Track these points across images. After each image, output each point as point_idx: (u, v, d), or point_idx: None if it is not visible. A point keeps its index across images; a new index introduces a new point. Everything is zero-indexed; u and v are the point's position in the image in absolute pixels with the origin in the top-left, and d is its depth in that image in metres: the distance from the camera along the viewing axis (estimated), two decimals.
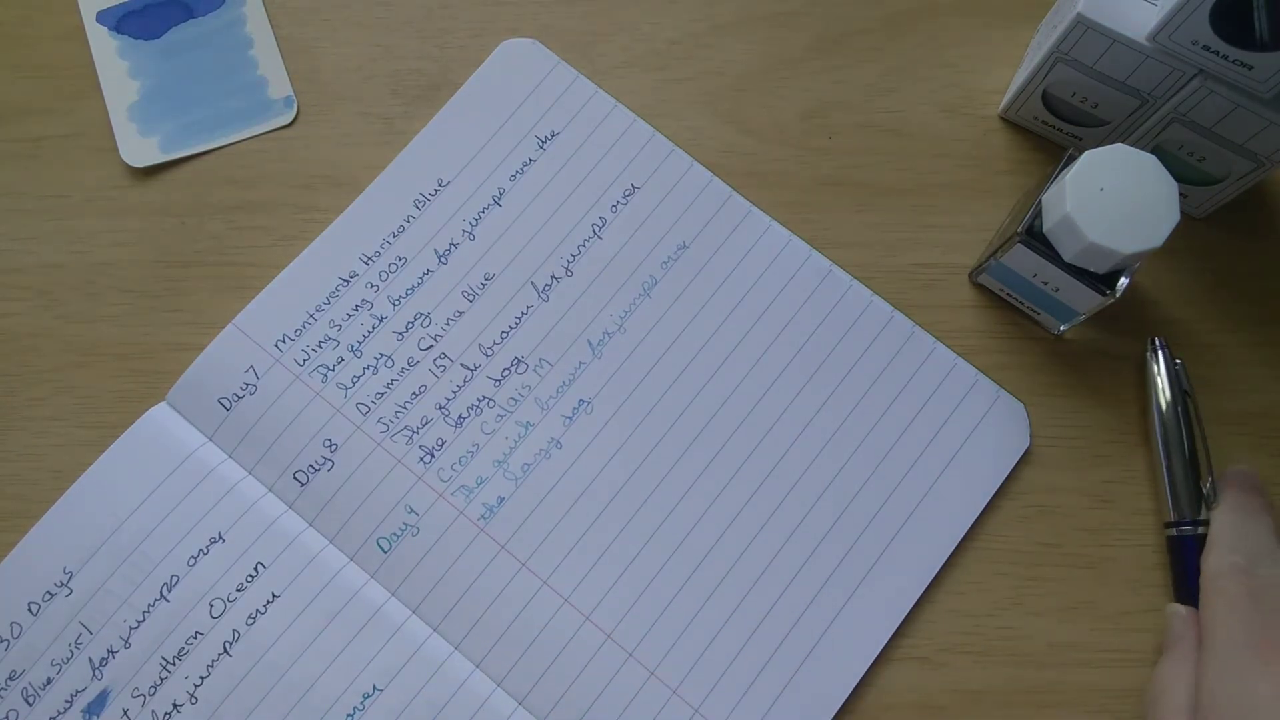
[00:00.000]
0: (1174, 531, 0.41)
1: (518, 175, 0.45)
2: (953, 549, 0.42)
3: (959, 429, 0.43)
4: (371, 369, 0.43)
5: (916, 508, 0.42)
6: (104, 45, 0.47)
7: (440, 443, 0.42)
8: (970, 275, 0.45)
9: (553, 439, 0.43)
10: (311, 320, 0.43)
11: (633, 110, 0.47)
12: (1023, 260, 0.40)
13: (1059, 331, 0.44)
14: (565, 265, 0.44)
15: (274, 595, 0.41)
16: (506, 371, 0.43)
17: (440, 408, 0.43)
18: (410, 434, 0.42)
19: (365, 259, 0.44)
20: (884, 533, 0.42)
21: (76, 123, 0.46)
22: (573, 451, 0.43)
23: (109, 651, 0.40)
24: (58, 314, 0.44)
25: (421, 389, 0.43)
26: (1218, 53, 0.38)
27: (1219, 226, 0.46)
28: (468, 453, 0.42)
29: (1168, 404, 0.42)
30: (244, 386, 0.43)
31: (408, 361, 0.43)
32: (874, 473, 0.42)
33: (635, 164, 0.46)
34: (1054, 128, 0.46)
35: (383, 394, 0.43)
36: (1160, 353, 0.43)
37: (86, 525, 0.41)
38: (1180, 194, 0.37)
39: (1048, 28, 0.44)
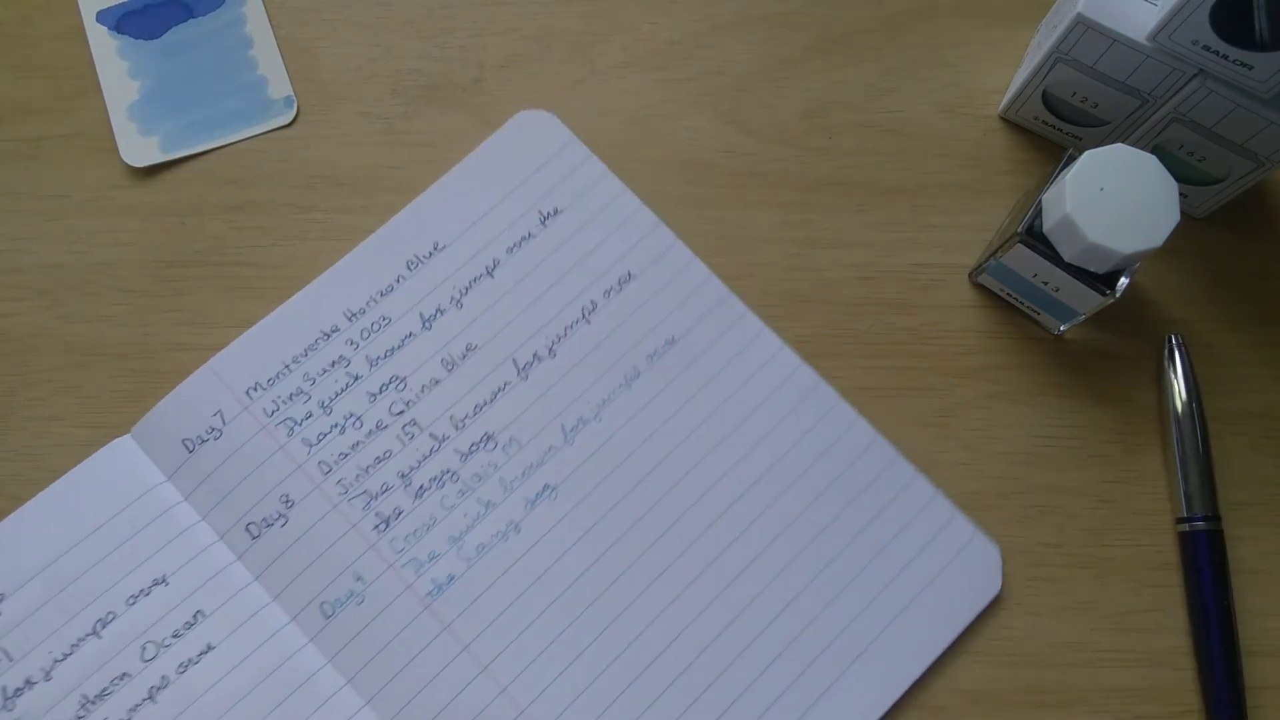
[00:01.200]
0: (1186, 527, 0.41)
1: (515, 248, 0.44)
2: (905, 690, 0.40)
3: (929, 566, 0.41)
4: (339, 428, 0.42)
5: (875, 641, 0.40)
6: (104, 45, 0.47)
7: (397, 512, 0.41)
8: (970, 275, 0.45)
9: (512, 522, 0.41)
10: (286, 371, 0.43)
11: (636, 110, 0.47)
12: (1023, 260, 0.41)
13: (1059, 331, 0.44)
14: (549, 346, 0.43)
15: (210, 646, 0.39)
16: (475, 447, 0.42)
17: (402, 476, 0.42)
18: (368, 499, 0.41)
19: (349, 315, 0.43)
20: (839, 661, 0.40)
21: (76, 123, 0.46)
22: (530, 537, 0.41)
23: (26, 682, 0.39)
24: (58, 314, 0.44)
25: (386, 454, 0.42)
26: (1218, 53, 0.38)
27: (1219, 226, 0.46)
28: (424, 525, 0.41)
29: (1184, 400, 0.42)
30: (209, 430, 0.42)
31: (376, 424, 0.42)
32: (836, 598, 0.41)
33: (635, 252, 0.44)
34: (1054, 128, 0.46)
35: (346, 455, 0.42)
36: (1177, 350, 0.43)
37: (29, 548, 0.40)
38: (1180, 194, 0.37)
39: (1048, 28, 0.44)
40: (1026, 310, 0.44)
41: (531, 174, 0.45)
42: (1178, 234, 0.37)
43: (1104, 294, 0.39)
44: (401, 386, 0.43)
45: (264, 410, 0.42)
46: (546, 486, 0.42)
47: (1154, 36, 0.39)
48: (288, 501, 0.41)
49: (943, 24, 0.48)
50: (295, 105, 0.47)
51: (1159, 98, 0.41)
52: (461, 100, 0.47)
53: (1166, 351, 0.43)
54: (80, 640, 0.39)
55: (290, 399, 0.42)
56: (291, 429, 0.42)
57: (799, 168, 0.46)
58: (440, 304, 0.44)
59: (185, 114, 0.46)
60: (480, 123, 0.47)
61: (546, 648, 0.40)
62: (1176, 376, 0.43)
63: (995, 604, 0.42)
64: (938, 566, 0.41)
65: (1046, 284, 0.41)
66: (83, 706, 0.39)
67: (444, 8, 0.48)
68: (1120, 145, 0.38)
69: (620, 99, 0.47)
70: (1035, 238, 0.39)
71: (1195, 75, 0.39)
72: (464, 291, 0.44)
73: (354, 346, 0.43)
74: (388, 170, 0.46)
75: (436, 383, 0.43)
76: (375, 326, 0.43)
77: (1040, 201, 0.39)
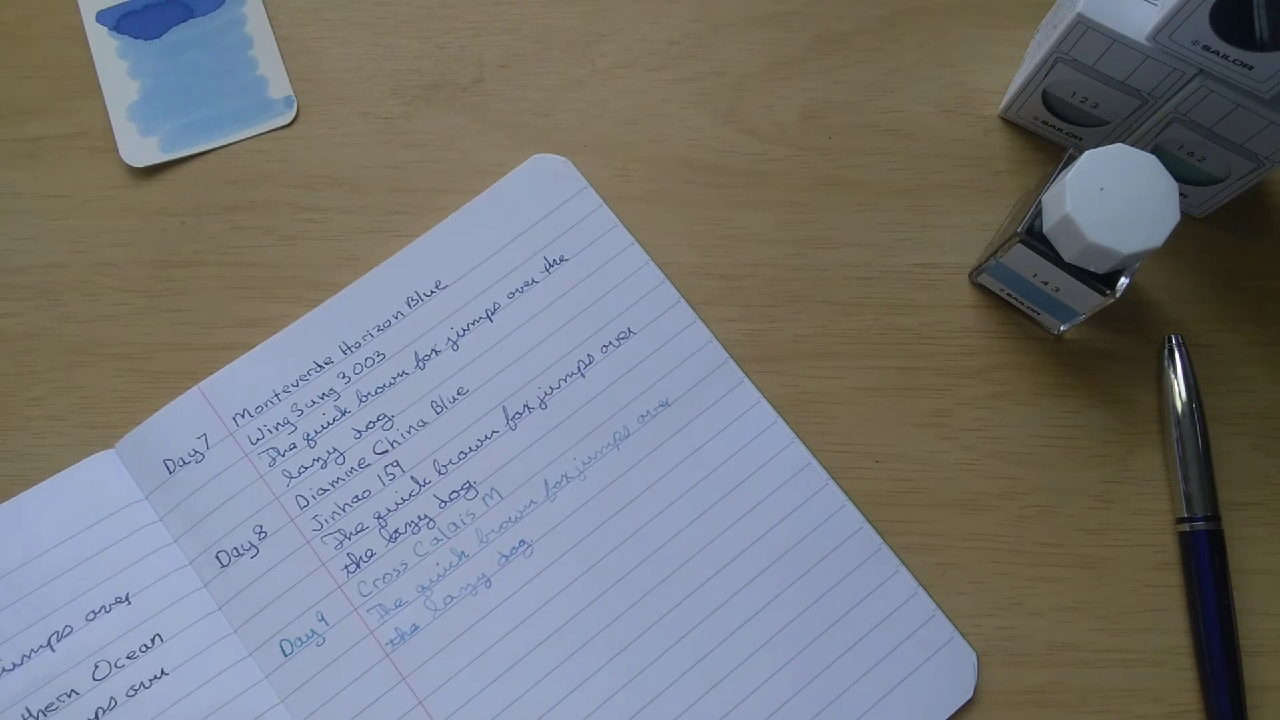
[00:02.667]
0: (1186, 527, 0.41)
1: (517, 294, 0.44)
2: None
3: (904, 662, 0.40)
4: (321, 462, 0.42)
5: None
6: (104, 45, 0.47)
7: (369, 554, 0.41)
8: (970, 275, 0.45)
9: (483, 575, 0.41)
10: (275, 400, 0.42)
11: (636, 110, 0.47)
12: (1023, 260, 0.40)
13: (1059, 331, 0.44)
14: (541, 397, 0.42)
15: (163, 671, 0.39)
16: (455, 494, 0.41)
17: (379, 518, 0.41)
18: (341, 538, 0.41)
19: (344, 348, 0.43)
20: None
21: (76, 123, 0.46)
22: (501, 593, 0.40)
23: None
24: (58, 314, 0.44)
25: (365, 494, 0.41)
26: (1218, 53, 0.37)
27: (1219, 226, 0.46)
28: (394, 571, 0.40)
29: (1184, 400, 0.42)
30: (192, 453, 0.41)
31: (359, 462, 0.42)
32: (807, 685, 0.40)
33: (637, 308, 0.44)
34: (1054, 128, 0.46)
35: (325, 491, 0.41)
36: (1178, 350, 0.43)
37: None
38: (1180, 194, 0.37)
39: (1048, 28, 0.44)
40: (1026, 310, 0.44)
41: (541, 219, 0.45)
42: (1178, 234, 0.37)
43: (1104, 294, 0.39)
44: (388, 425, 0.42)
45: (248, 438, 0.42)
46: (523, 542, 0.41)
47: (1154, 36, 0.39)
48: (261, 533, 0.41)
49: (943, 24, 0.48)
50: (295, 105, 0.47)
51: (1159, 98, 0.41)
52: (461, 100, 0.47)
53: (1166, 351, 0.43)
54: (33, 651, 0.39)
55: (276, 429, 0.42)
56: (273, 459, 0.42)
57: (799, 168, 0.46)
58: (436, 344, 0.43)
59: (185, 114, 0.46)
60: (480, 123, 0.47)
61: (503, 710, 0.39)
62: (1176, 376, 0.43)
63: (995, 603, 0.42)
64: (913, 664, 0.40)
65: (1046, 284, 0.41)
66: None
67: (444, 8, 0.48)
68: (1120, 145, 0.38)
69: (620, 99, 0.47)
70: (1035, 238, 0.39)
71: (1195, 75, 0.39)
72: (462, 333, 0.43)
73: (345, 380, 0.43)
74: (388, 170, 0.46)
75: (424, 424, 0.42)
76: (369, 362, 0.43)
77: (1040, 201, 0.39)
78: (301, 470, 0.42)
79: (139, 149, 0.46)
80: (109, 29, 0.47)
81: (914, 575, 0.41)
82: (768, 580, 0.41)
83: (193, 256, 0.45)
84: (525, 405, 0.43)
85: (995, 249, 0.42)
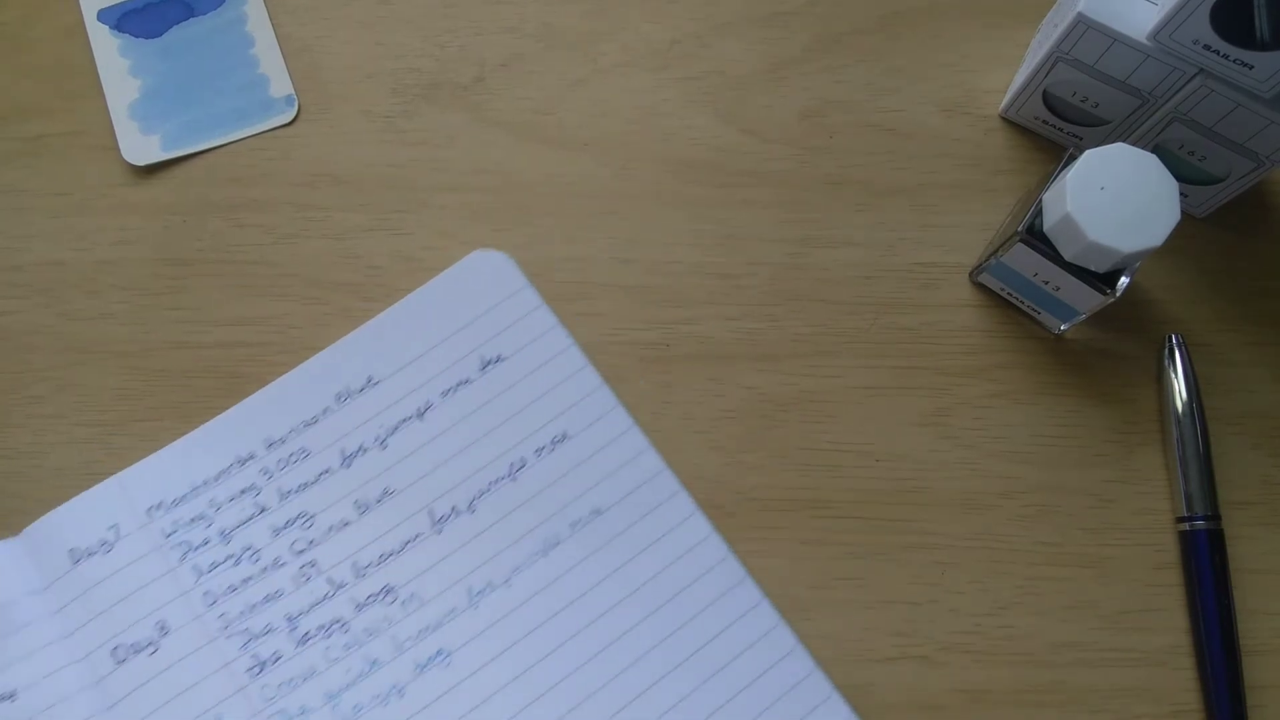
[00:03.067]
0: (1186, 527, 0.41)
1: (450, 392, 0.42)
2: None
3: None
4: (234, 559, 0.40)
5: None
6: (105, 44, 0.47)
7: (276, 657, 0.39)
8: (970, 275, 0.45)
9: (396, 686, 0.39)
10: (194, 494, 0.41)
11: (636, 110, 0.47)
12: (1023, 259, 0.41)
13: (1059, 331, 0.44)
14: (470, 500, 0.41)
15: None
16: (372, 598, 0.40)
17: (290, 619, 0.39)
18: (248, 639, 0.39)
19: (269, 443, 0.42)
20: None
21: (77, 121, 0.46)
22: (413, 704, 0.38)
23: None
24: (59, 312, 0.44)
25: (277, 594, 0.40)
26: (1218, 52, 0.38)
27: (1219, 226, 0.46)
28: (301, 676, 0.39)
29: (1184, 399, 0.42)
30: (100, 543, 0.40)
31: (274, 561, 0.40)
32: None
33: (573, 412, 0.42)
34: (1054, 127, 0.46)
35: (235, 589, 0.40)
36: (1178, 349, 0.43)
37: None
38: (1180, 193, 0.37)
39: (1048, 27, 0.44)
40: (1026, 310, 0.44)
41: (478, 316, 0.43)
42: (1178, 234, 0.37)
43: (1104, 293, 0.39)
44: (308, 524, 0.41)
45: (161, 530, 0.40)
46: (441, 652, 0.39)
47: (1154, 36, 0.39)
48: (163, 629, 0.39)
49: (943, 24, 0.48)
50: (296, 104, 0.47)
51: (1159, 97, 0.41)
52: (461, 100, 0.47)
53: (1166, 351, 0.43)
54: None
55: (191, 523, 0.41)
56: (185, 554, 0.40)
57: (799, 167, 0.46)
58: (364, 442, 0.42)
59: (186, 112, 0.46)
60: (481, 122, 0.47)
61: None
62: (1176, 376, 0.43)
63: (995, 603, 0.42)
64: None
65: (1047, 283, 0.41)
66: None
67: (444, 7, 0.48)
68: (1120, 145, 0.38)
69: (620, 99, 0.47)
70: (1036, 237, 0.39)
71: (1195, 75, 0.39)
72: (390, 431, 0.42)
73: (268, 476, 0.41)
74: (388, 169, 0.46)
75: (345, 525, 0.41)
76: (293, 458, 0.41)
77: (1040, 201, 0.39)
78: (213, 566, 0.40)
79: (140, 147, 0.46)
80: (110, 28, 0.47)
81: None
82: (697, 702, 0.39)
83: (193, 255, 0.45)
84: (453, 508, 0.41)
85: (996, 248, 0.42)
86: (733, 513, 0.42)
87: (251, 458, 0.42)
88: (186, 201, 0.45)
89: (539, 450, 0.42)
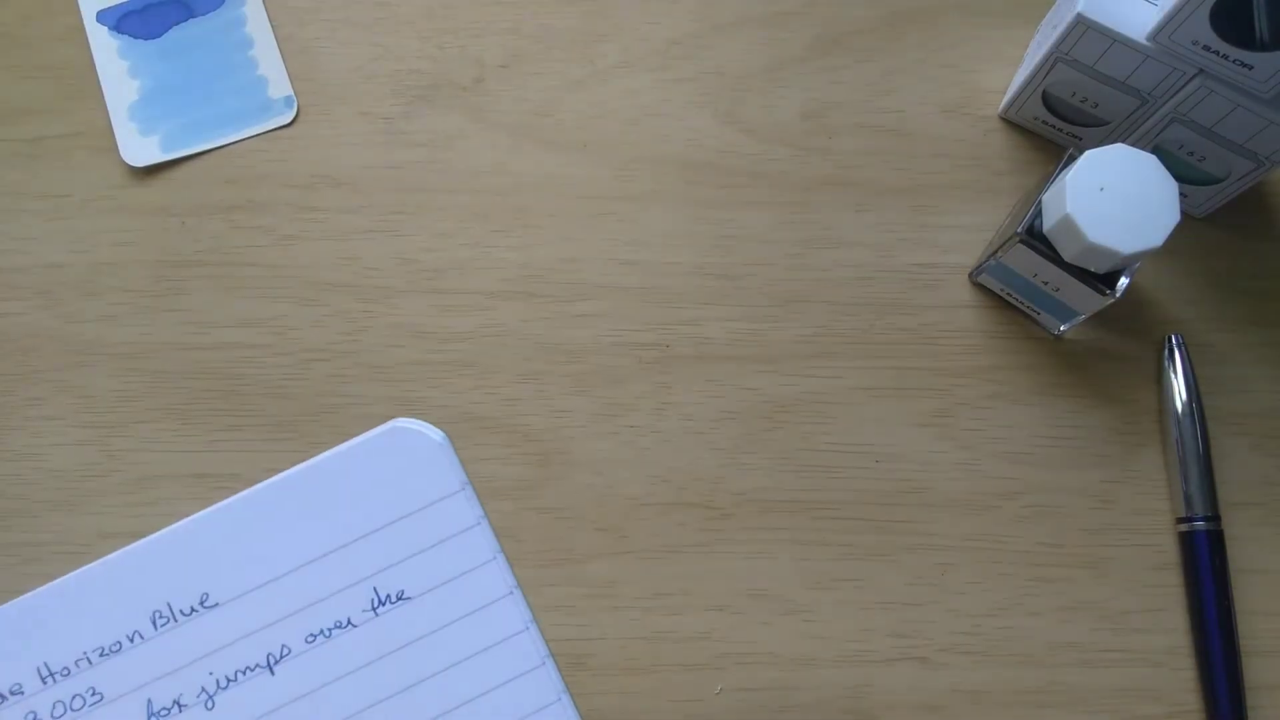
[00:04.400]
0: (1186, 527, 0.41)
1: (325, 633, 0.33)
2: None
3: None
4: None
5: None
6: (104, 45, 0.47)
7: None
8: (970, 275, 0.45)
9: None
10: None
11: (636, 110, 0.46)
12: (1023, 260, 0.40)
13: (1059, 332, 0.44)
14: None
15: None
16: None
17: None
18: None
19: (44, 674, 0.31)
20: None
21: (76, 122, 0.46)
22: None
23: None
24: (58, 313, 0.44)
25: None
26: (1218, 53, 0.37)
27: (1219, 226, 0.46)
28: None
29: (1184, 400, 0.42)
30: None
31: None
32: None
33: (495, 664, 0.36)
34: (1054, 128, 0.46)
35: None
36: (1178, 350, 0.43)
37: None
38: (1180, 194, 0.37)
39: (1048, 28, 0.44)
40: (1026, 310, 0.44)
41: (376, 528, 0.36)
42: (1178, 234, 0.37)
43: (1104, 294, 0.39)
44: None
45: None
46: None
47: (1154, 36, 0.39)
48: None
49: (943, 24, 0.48)
50: (295, 105, 0.47)
51: (1159, 98, 0.41)
52: (462, 100, 0.47)
53: (1166, 351, 0.43)
54: None
55: None
56: None
57: (799, 168, 0.46)
58: (182, 693, 0.30)
59: (185, 114, 0.46)
60: (480, 123, 0.47)
61: None
62: (1176, 376, 0.43)
63: (995, 603, 0.42)
64: None
65: (1046, 284, 0.41)
66: None
67: (444, 8, 0.48)
68: (1120, 145, 0.38)
69: (620, 100, 0.47)
70: (1035, 238, 0.39)
71: (1195, 75, 0.39)
72: (226, 684, 0.30)
73: None
74: (387, 170, 0.46)
75: None
76: (76, 703, 0.30)
77: (1040, 201, 0.39)
78: None
79: (139, 149, 0.46)
80: (109, 29, 0.47)
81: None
82: None
83: (192, 256, 0.45)
84: None
85: (995, 249, 0.42)
86: (732, 514, 0.42)
87: (16, 692, 0.30)
88: (186, 203, 0.45)
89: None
